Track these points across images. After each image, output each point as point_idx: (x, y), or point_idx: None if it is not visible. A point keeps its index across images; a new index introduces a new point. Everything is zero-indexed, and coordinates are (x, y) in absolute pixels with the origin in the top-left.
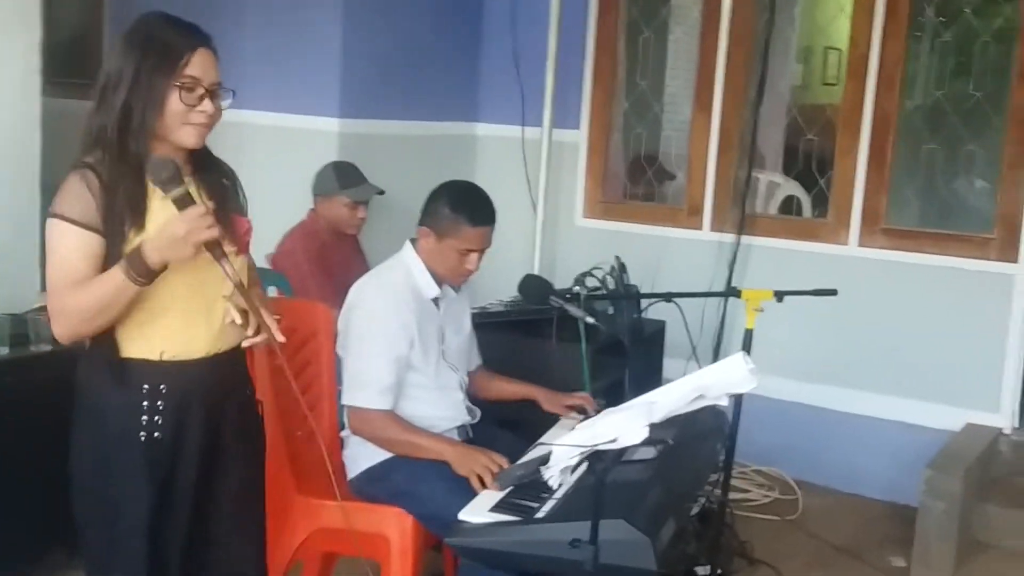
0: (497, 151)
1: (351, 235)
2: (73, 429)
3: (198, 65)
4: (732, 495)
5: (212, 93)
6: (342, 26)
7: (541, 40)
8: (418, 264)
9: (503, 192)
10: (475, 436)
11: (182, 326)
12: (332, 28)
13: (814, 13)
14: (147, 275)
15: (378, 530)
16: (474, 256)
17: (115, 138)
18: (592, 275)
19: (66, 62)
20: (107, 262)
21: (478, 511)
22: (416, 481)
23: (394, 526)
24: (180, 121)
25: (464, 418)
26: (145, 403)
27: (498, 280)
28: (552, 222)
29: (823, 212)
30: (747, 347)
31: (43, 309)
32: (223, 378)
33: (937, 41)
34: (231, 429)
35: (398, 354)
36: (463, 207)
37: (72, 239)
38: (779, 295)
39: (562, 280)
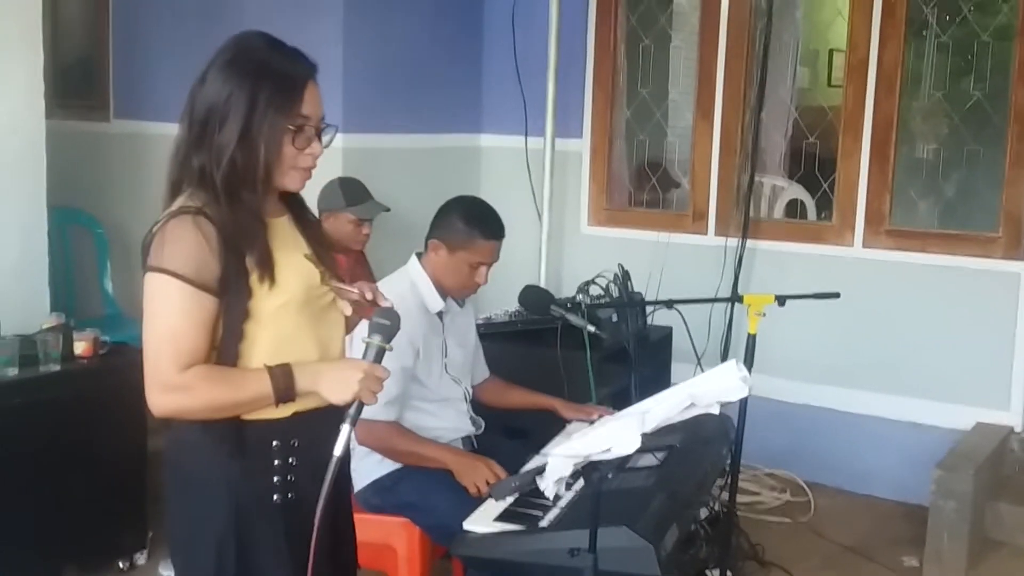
0: (501, 162)
1: (357, 250)
2: (176, 508)
3: (310, 101)
4: (743, 498)
5: (318, 132)
6: (343, 43)
7: (541, 50)
8: (423, 278)
9: (508, 202)
10: (480, 447)
11: None
12: (333, 45)
13: (816, 16)
14: (290, 399)
15: (385, 541)
16: (484, 270)
17: (222, 182)
18: (596, 283)
19: (72, 85)
20: (227, 320)
21: (483, 521)
22: (422, 492)
23: (401, 537)
24: (288, 166)
25: (468, 429)
26: (277, 462)
27: (504, 290)
28: (558, 231)
29: (828, 215)
30: (750, 352)
31: (53, 330)
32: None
33: (936, 42)
34: (346, 472)
35: (403, 365)
36: (476, 221)
37: (185, 302)
38: (781, 299)
39: (570, 289)
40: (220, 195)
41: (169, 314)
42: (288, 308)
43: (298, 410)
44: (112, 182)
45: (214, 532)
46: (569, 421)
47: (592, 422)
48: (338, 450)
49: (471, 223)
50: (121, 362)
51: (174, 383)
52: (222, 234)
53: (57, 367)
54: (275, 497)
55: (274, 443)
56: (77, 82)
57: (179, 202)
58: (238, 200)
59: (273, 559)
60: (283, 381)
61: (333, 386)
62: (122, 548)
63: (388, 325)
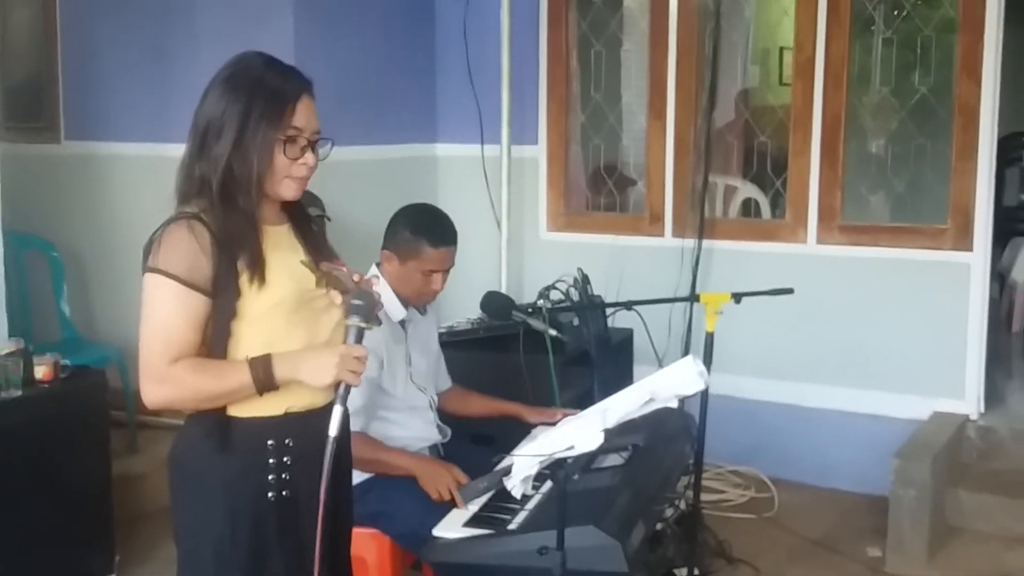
0: (458, 170)
1: None
2: (184, 505)
3: (302, 114)
4: (709, 496)
5: (312, 143)
6: (293, 55)
7: (494, 59)
8: (384, 288)
9: (466, 210)
10: (447, 454)
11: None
12: (282, 56)
13: (764, 15)
14: (270, 387)
15: (355, 553)
16: (438, 276)
17: (219, 191)
18: (556, 288)
19: (21, 107)
20: (216, 319)
21: (452, 527)
22: (390, 501)
23: (371, 548)
24: (282, 175)
25: (435, 437)
26: (272, 460)
27: (466, 299)
28: (517, 237)
29: (781, 212)
30: (709, 350)
31: (12, 355)
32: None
33: (882, 37)
34: (344, 476)
35: (367, 376)
36: (423, 229)
37: (176, 300)
38: (737, 297)
39: (531, 295)
40: (216, 201)
41: (161, 311)
42: (280, 309)
43: (290, 410)
44: (65, 205)
45: (212, 528)
46: (534, 425)
47: (556, 424)
48: (333, 430)
49: (418, 232)
50: (83, 385)
51: (163, 374)
52: (215, 237)
53: (19, 392)
54: (270, 495)
55: (269, 442)
56: (26, 104)
57: (179, 209)
58: (234, 205)
59: (268, 555)
60: (262, 370)
61: (312, 372)
62: (90, 573)
63: (364, 305)
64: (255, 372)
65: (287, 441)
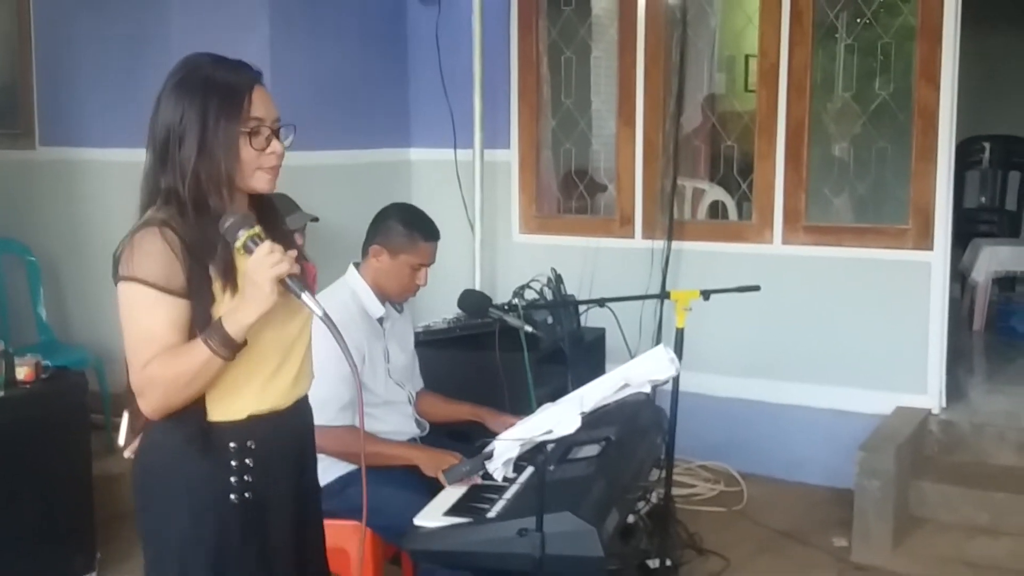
0: (432, 174)
1: None
2: (148, 507)
3: (259, 104)
4: (680, 490)
5: (275, 132)
6: (269, 60)
7: (466, 66)
8: (363, 285)
9: (440, 214)
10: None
11: (268, 383)
12: (259, 63)
13: (730, 23)
14: (231, 346)
15: (337, 544)
16: (424, 271)
17: (189, 196)
18: (530, 287)
19: None
20: (195, 326)
21: (433, 516)
22: (371, 493)
23: (353, 540)
24: (253, 167)
25: (413, 431)
26: (233, 463)
27: (441, 299)
28: (490, 240)
29: (748, 214)
30: (679, 345)
31: None
32: (303, 424)
33: (844, 44)
34: (311, 476)
35: (351, 371)
36: (415, 224)
37: (156, 307)
38: (705, 294)
39: (504, 296)
40: (189, 209)
41: (143, 319)
42: None
43: (253, 413)
44: (41, 210)
45: (177, 530)
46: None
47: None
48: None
49: (411, 227)
50: (63, 386)
51: (143, 382)
52: (185, 243)
53: (0, 393)
54: (232, 497)
55: (231, 444)
56: (0, 110)
57: (145, 216)
58: (205, 211)
59: (231, 559)
60: (216, 334)
61: (246, 301)
62: (71, 571)
63: (235, 219)
64: (208, 339)
65: (249, 443)
